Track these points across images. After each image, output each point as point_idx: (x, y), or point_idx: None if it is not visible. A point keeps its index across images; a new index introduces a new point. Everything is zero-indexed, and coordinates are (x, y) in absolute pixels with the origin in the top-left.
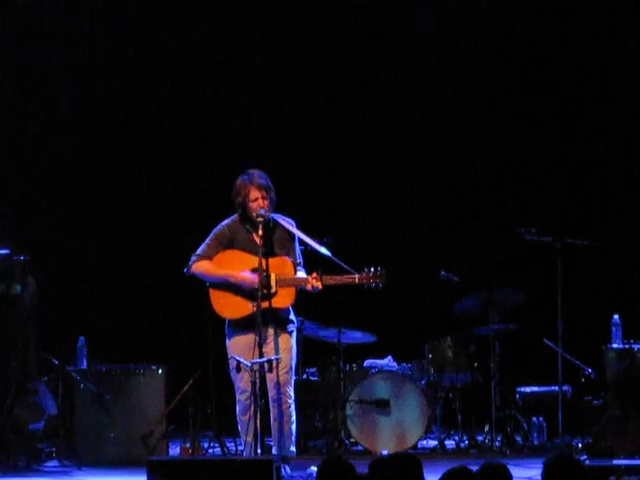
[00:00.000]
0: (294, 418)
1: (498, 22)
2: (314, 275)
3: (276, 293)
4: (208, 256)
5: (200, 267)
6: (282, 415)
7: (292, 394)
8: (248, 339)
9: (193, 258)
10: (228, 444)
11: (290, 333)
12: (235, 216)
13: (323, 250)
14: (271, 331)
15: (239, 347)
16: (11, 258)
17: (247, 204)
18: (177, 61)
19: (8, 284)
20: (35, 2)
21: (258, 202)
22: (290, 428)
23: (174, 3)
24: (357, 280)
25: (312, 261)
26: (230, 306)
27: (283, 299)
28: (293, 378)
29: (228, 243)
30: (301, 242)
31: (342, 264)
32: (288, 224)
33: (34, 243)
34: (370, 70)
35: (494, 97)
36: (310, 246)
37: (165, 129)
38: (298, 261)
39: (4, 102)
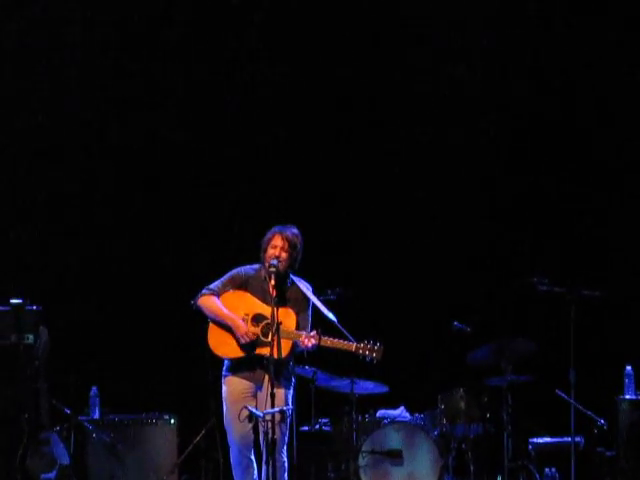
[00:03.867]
0: (286, 476)
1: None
2: (313, 333)
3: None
4: (218, 293)
5: (205, 301)
6: (274, 476)
7: (285, 456)
8: (244, 386)
9: (203, 291)
10: None
11: (284, 389)
12: (257, 265)
13: (330, 315)
14: (267, 380)
15: (234, 394)
16: (24, 308)
17: (266, 249)
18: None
19: (21, 333)
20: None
21: (275, 250)
22: None
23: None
24: (354, 349)
25: (319, 321)
26: (225, 345)
27: (280, 350)
28: (287, 436)
29: (241, 285)
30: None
31: (344, 331)
32: (306, 288)
33: (46, 293)
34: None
35: (506, 142)
36: (319, 309)
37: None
38: (308, 327)
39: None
